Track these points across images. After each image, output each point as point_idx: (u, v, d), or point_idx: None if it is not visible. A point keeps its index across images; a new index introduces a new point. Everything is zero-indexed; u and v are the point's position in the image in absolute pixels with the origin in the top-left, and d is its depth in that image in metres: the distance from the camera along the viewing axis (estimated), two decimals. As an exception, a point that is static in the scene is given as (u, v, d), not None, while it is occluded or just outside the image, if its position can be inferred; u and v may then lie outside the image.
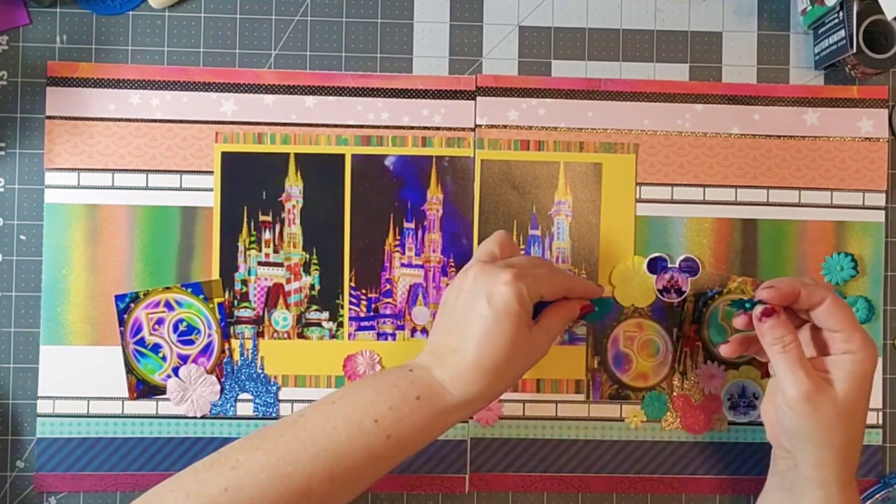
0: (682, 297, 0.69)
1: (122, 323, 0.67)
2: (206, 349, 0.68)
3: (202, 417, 0.67)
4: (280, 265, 0.68)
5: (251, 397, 0.68)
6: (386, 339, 0.68)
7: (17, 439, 0.67)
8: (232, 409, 0.68)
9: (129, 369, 0.67)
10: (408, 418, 0.53)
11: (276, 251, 0.68)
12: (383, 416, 0.53)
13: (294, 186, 0.68)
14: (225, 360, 0.68)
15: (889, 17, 0.62)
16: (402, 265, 0.69)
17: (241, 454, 0.52)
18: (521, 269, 0.55)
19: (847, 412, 0.55)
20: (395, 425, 0.53)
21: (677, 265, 0.69)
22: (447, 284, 0.69)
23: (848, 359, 0.56)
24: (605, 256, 0.69)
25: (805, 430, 0.55)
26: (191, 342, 0.68)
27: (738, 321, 0.60)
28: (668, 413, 0.69)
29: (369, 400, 0.53)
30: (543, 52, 0.69)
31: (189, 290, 0.68)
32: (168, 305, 0.67)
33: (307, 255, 0.68)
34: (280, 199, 0.68)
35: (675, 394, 0.69)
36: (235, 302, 0.68)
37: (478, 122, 0.69)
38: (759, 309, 0.57)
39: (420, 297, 0.69)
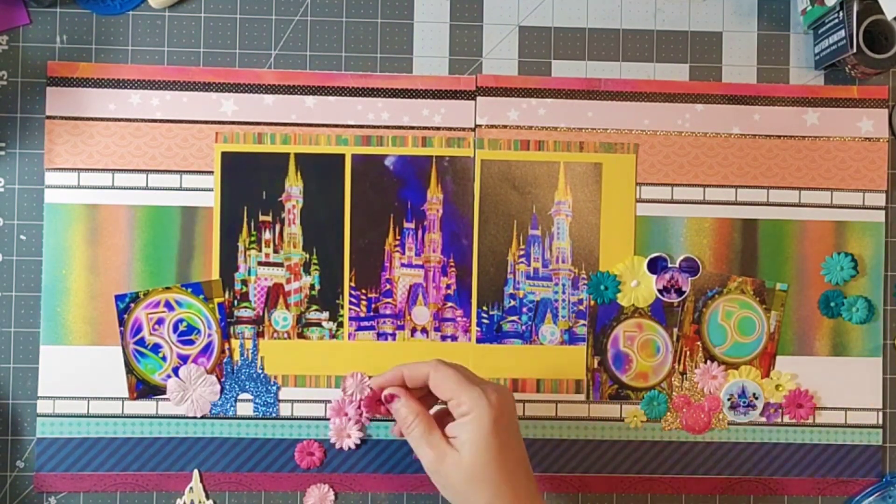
0: (683, 297, 0.69)
1: (122, 323, 0.67)
2: (206, 349, 0.68)
3: (202, 417, 0.67)
4: (280, 265, 0.68)
5: (251, 397, 0.68)
6: (386, 339, 0.68)
7: (17, 439, 0.67)
8: (232, 409, 0.68)
9: (129, 369, 0.67)
10: None
11: (276, 251, 0.68)
12: None
13: (294, 186, 0.68)
14: (225, 360, 0.68)
15: (889, 17, 0.62)
16: (402, 265, 0.69)
17: None
18: None
19: (477, 473, 0.55)
20: None
21: (677, 265, 0.69)
22: (447, 284, 0.69)
23: (465, 422, 0.56)
24: (605, 256, 0.69)
25: (449, 496, 0.57)
26: (191, 342, 0.68)
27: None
28: (668, 413, 0.69)
29: None
30: (543, 52, 0.69)
31: (189, 290, 0.68)
32: (168, 305, 0.67)
33: (307, 255, 0.68)
34: (280, 199, 0.68)
35: (675, 394, 0.69)
36: (235, 302, 0.68)
37: (478, 122, 0.69)
38: (385, 393, 0.60)
39: (420, 297, 0.69)
